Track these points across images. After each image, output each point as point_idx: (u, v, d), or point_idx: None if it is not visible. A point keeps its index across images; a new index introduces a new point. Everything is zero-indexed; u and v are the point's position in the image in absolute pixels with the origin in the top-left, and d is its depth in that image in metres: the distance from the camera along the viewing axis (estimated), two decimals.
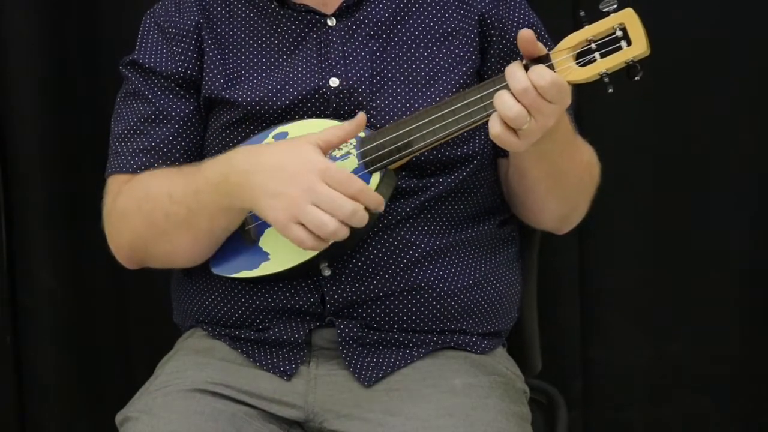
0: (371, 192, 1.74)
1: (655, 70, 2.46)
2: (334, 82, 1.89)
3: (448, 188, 1.89)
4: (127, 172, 1.93)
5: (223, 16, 1.97)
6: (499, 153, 1.96)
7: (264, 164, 1.76)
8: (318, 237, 1.71)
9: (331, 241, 1.73)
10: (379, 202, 1.74)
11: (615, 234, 2.62)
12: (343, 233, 1.71)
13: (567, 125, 1.84)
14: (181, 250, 1.88)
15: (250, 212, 1.85)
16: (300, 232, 1.71)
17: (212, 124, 1.94)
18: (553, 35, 1.85)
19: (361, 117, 1.78)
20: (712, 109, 2.56)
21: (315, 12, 1.93)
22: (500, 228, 1.97)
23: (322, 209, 1.70)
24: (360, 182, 1.72)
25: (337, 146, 1.78)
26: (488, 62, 1.92)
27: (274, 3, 1.95)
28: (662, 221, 2.61)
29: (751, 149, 2.57)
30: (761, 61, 2.54)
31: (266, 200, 1.74)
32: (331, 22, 1.92)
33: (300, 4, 1.94)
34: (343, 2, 1.92)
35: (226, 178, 1.79)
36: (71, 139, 2.57)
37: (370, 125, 1.84)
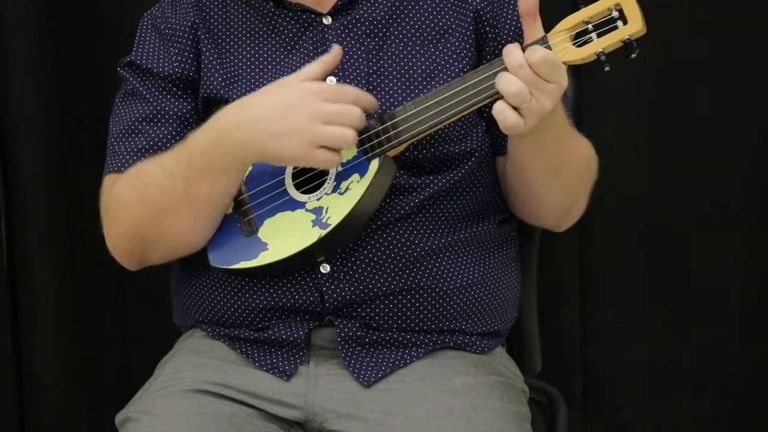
0: (365, 94, 1.80)
1: (655, 68, 2.48)
2: (331, 80, 1.88)
3: (446, 186, 1.89)
4: (124, 171, 1.92)
5: (219, 16, 1.97)
6: (497, 151, 1.96)
7: (259, 112, 1.78)
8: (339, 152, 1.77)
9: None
10: (373, 103, 1.81)
11: (615, 234, 2.62)
12: (355, 138, 1.77)
13: (563, 116, 1.84)
14: (181, 227, 1.87)
15: (250, 203, 1.86)
16: (325, 154, 1.76)
17: None
18: (550, 27, 1.85)
19: (336, 48, 1.81)
20: (712, 108, 2.55)
21: (310, 11, 1.93)
22: (500, 227, 1.96)
23: (336, 123, 1.75)
24: (353, 88, 1.79)
25: (320, 79, 1.81)
26: (484, 59, 1.91)
27: (270, 3, 1.95)
28: (662, 221, 2.61)
29: (751, 148, 2.57)
30: (762, 60, 2.54)
31: (277, 142, 1.77)
32: (327, 20, 1.92)
33: (295, 3, 1.94)
34: (338, 0, 1.93)
35: (219, 140, 1.80)
36: (71, 139, 2.57)
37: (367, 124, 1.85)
